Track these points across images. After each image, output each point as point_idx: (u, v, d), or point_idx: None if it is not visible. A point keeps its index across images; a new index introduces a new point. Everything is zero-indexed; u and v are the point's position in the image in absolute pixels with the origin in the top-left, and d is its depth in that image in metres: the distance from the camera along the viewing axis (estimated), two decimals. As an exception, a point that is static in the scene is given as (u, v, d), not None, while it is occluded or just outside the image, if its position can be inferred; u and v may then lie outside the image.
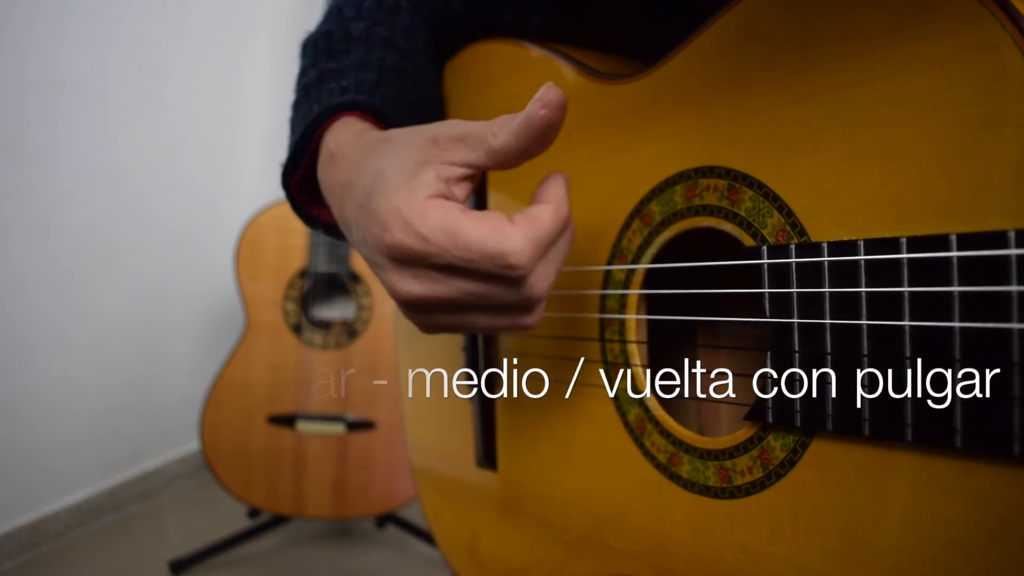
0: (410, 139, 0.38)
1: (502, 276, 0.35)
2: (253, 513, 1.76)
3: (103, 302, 1.91)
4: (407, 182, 0.36)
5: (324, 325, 1.63)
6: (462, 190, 0.38)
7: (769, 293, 0.34)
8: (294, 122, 0.51)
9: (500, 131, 0.36)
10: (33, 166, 1.71)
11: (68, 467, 1.85)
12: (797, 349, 0.33)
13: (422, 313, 0.39)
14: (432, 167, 0.36)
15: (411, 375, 0.70)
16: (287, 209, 1.63)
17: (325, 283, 1.62)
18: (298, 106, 0.51)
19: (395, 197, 0.36)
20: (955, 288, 0.27)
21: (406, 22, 0.57)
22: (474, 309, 0.38)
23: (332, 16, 0.56)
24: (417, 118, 0.52)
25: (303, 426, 1.57)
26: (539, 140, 0.35)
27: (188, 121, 2.13)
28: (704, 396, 0.50)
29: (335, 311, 1.66)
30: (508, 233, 0.34)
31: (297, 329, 1.60)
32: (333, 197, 0.43)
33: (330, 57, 0.52)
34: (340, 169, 0.43)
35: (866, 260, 0.30)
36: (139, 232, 2.00)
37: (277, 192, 2.13)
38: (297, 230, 1.62)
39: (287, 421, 1.58)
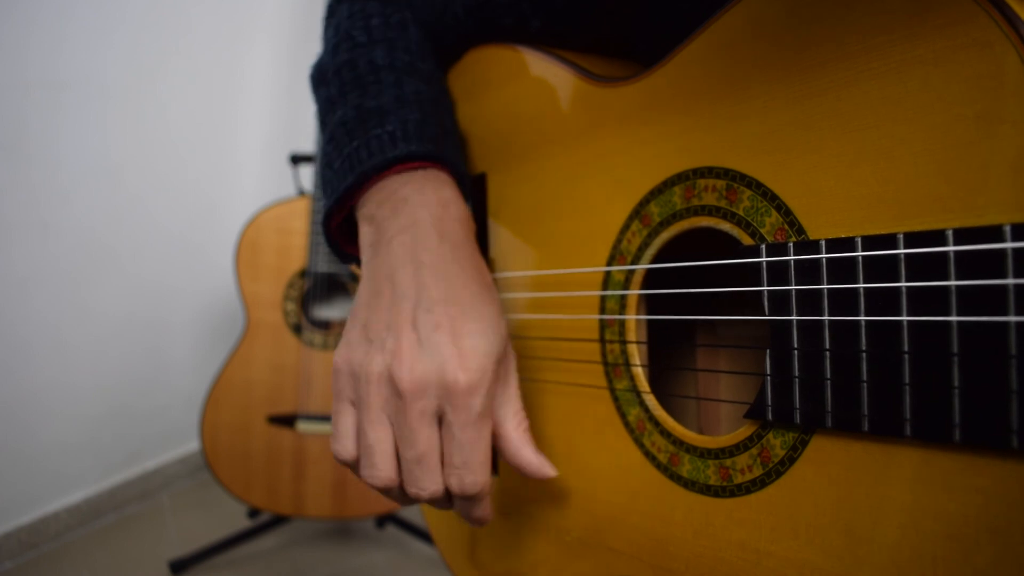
0: (491, 298, 0.43)
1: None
2: (253, 513, 1.76)
3: (103, 302, 1.91)
4: (490, 339, 0.40)
5: (324, 325, 1.63)
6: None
7: (768, 291, 0.34)
8: (331, 158, 0.50)
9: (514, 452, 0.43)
10: (33, 166, 1.71)
11: (68, 467, 1.85)
12: (796, 346, 0.33)
13: (336, 380, 0.42)
14: (514, 397, 0.43)
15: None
16: (287, 209, 1.63)
17: (325, 283, 1.62)
18: (338, 144, 0.50)
19: (484, 343, 0.40)
20: (952, 283, 0.27)
21: (415, 37, 0.57)
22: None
23: (344, 41, 0.55)
24: (457, 144, 0.53)
25: (303, 426, 1.57)
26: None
27: (188, 121, 2.14)
28: (705, 396, 0.50)
29: (335, 311, 1.66)
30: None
31: (297, 329, 1.60)
32: (395, 240, 0.44)
33: (362, 91, 0.51)
34: (394, 246, 0.44)
35: (864, 256, 0.30)
36: (139, 232, 2.00)
37: (277, 192, 2.14)
38: (297, 230, 1.62)
39: (287, 421, 1.58)
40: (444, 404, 0.39)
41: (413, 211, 0.44)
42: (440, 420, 0.40)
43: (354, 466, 0.42)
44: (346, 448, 0.42)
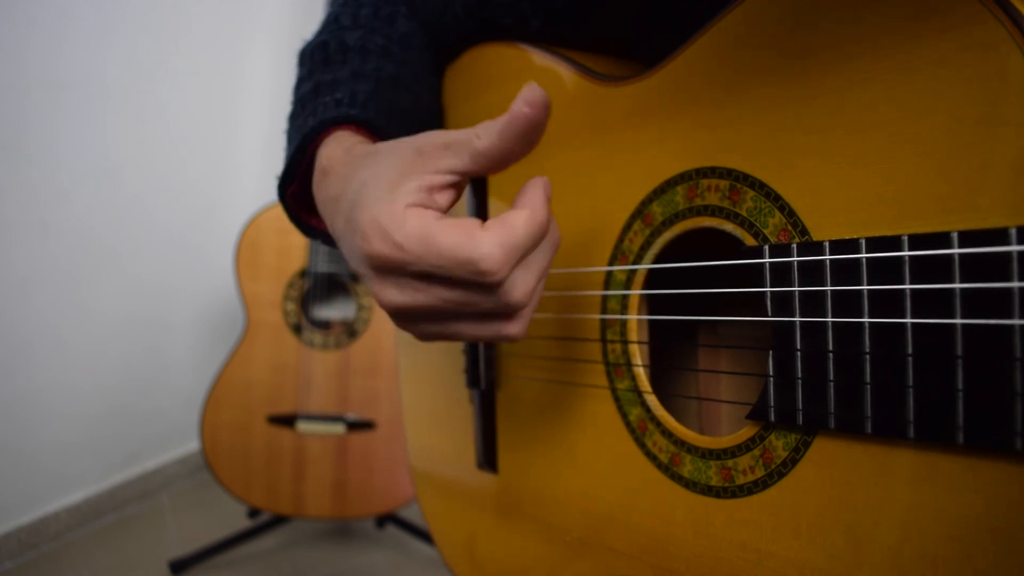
0: (395, 151, 0.38)
1: (476, 283, 0.35)
2: (253, 513, 1.76)
3: (102, 302, 1.91)
4: (388, 192, 0.36)
5: (324, 325, 1.63)
6: (445, 198, 0.37)
7: (771, 292, 0.34)
8: (290, 134, 0.51)
9: (484, 133, 0.35)
10: (33, 166, 1.71)
11: (68, 467, 1.85)
12: (799, 348, 0.33)
13: (410, 322, 0.39)
14: (415, 176, 0.36)
15: (411, 376, 0.70)
16: (287, 209, 1.63)
17: (325, 283, 1.62)
18: (294, 118, 0.51)
19: (375, 207, 0.36)
20: (956, 285, 0.27)
21: (403, 29, 0.57)
22: (456, 317, 0.38)
23: (329, 25, 0.56)
24: (413, 126, 0.52)
25: (303, 426, 1.57)
26: (523, 139, 0.35)
27: (188, 121, 2.14)
28: (706, 396, 0.50)
29: (335, 311, 1.66)
30: (478, 238, 0.34)
31: (297, 329, 1.60)
32: (325, 211, 0.43)
33: (326, 67, 0.52)
34: (330, 184, 0.43)
35: (868, 258, 0.30)
36: (139, 232, 2.00)
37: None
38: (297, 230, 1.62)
39: (287, 421, 1.58)
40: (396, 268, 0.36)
41: (333, 183, 0.43)
42: (423, 280, 0.36)
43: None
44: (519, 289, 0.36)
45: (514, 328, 0.38)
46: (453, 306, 0.36)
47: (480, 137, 0.36)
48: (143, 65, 1.96)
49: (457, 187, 0.38)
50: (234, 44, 2.27)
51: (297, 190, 0.50)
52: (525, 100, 0.34)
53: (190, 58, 2.11)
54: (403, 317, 0.39)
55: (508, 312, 0.37)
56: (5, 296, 1.67)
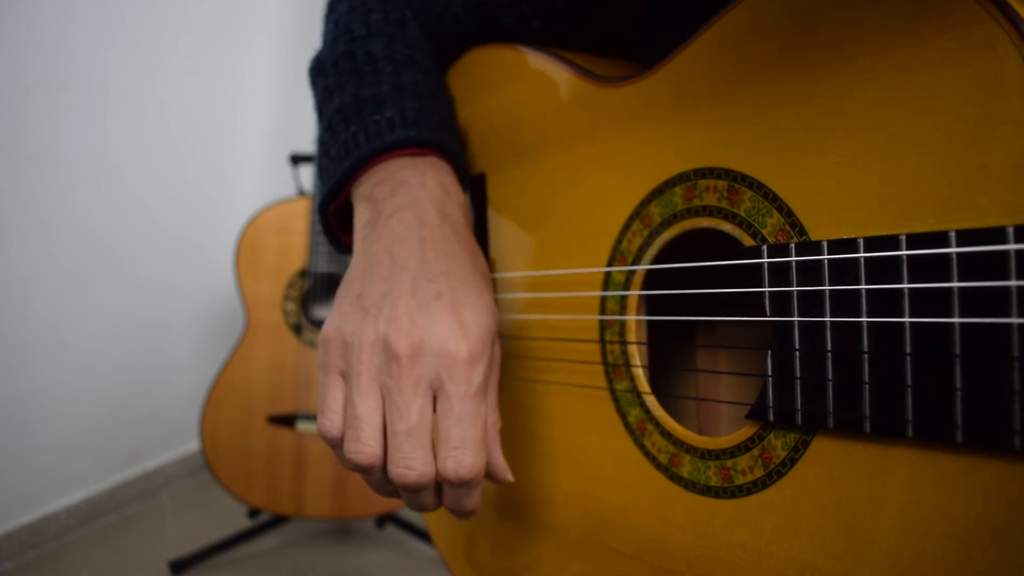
0: (479, 288, 0.42)
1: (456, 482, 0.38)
2: (253, 513, 1.76)
3: (102, 302, 1.91)
4: (490, 317, 0.39)
5: (324, 325, 1.63)
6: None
7: (769, 292, 0.34)
8: (328, 146, 0.50)
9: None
10: (33, 166, 1.71)
11: (68, 467, 1.85)
12: (798, 347, 0.33)
13: (325, 352, 0.40)
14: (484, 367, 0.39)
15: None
16: (287, 209, 1.63)
17: (325, 283, 1.62)
18: (335, 132, 0.50)
19: (481, 317, 0.39)
20: (955, 284, 0.27)
21: (415, 34, 0.57)
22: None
23: (343, 35, 0.56)
24: (452, 132, 0.53)
25: (303, 426, 1.57)
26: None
27: (188, 121, 2.14)
28: (705, 397, 0.50)
29: (335, 311, 1.66)
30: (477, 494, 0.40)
31: (297, 329, 1.60)
32: (394, 217, 0.43)
33: (359, 81, 0.51)
34: (417, 213, 0.43)
35: (866, 258, 0.30)
36: (139, 232, 2.00)
37: (277, 192, 2.13)
38: (297, 230, 1.62)
39: (287, 421, 1.58)
40: (443, 374, 0.37)
41: (413, 192, 0.44)
42: (435, 397, 0.37)
43: (339, 443, 0.39)
44: (332, 423, 0.39)
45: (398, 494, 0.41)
46: (380, 431, 0.38)
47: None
48: (143, 65, 1.97)
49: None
50: (234, 44, 2.28)
51: (340, 205, 0.50)
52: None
53: (190, 58, 2.11)
54: (326, 345, 0.40)
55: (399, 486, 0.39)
56: (5, 296, 1.67)
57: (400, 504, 1.58)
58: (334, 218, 0.51)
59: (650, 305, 0.45)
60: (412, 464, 0.37)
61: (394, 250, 0.41)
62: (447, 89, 0.57)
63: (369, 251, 0.42)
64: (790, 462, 0.34)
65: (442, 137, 0.49)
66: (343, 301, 0.41)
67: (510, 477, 0.41)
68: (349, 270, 0.43)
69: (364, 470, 0.38)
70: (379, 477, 0.39)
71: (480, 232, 0.56)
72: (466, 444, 0.37)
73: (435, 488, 0.39)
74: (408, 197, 0.44)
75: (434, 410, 0.38)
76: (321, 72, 0.55)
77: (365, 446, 0.37)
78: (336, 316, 0.40)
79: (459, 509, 0.40)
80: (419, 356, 0.37)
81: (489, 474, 0.41)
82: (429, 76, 0.54)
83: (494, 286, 0.51)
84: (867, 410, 0.30)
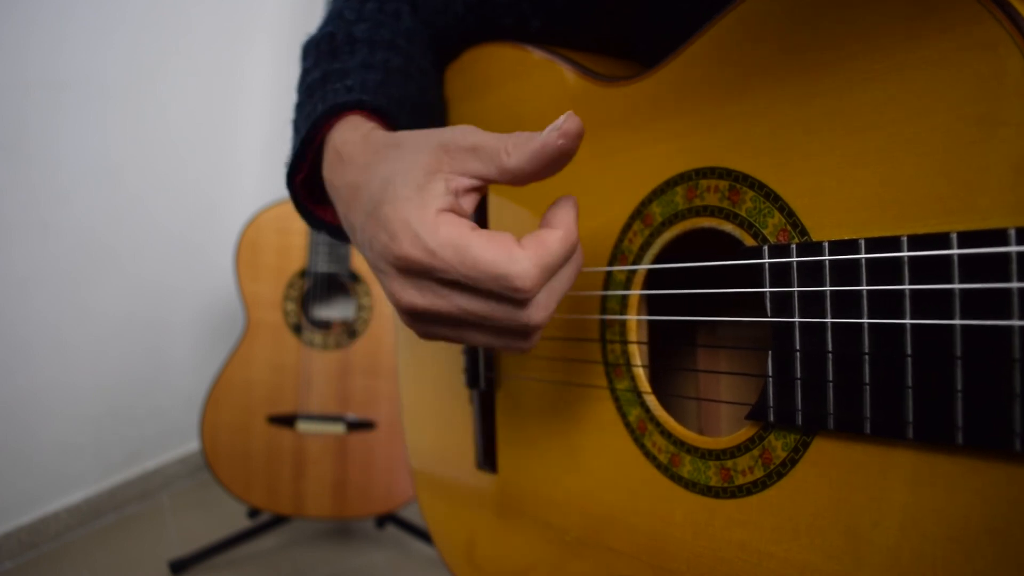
0: (420, 145, 0.38)
1: (506, 298, 0.35)
2: (253, 513, 1.76)
3: (103, 302, 1.91)
4: (417, 192, 0.36)
5: (324, 325, 1.63)
6: (470, 202, 0.38)
7: (770, 292, 0.34)
8: (297, 122, 0.51)
9: (515, 151, 0.35)
10: (33, 166, 1.71)
11: (68, 467, 1.85)
12: (798, 348, 0.33)
13: (421, 323, 0.39)
14: (442, 177, 0.36)
15: (411, 376, 0.70)
16: (287, 209, 1.63)
17: (325, 283, 1.62)
18: (302, 106, 0.50)
19: (405, 207, 0.36)
20: (956, 286, 0.27)
21: (407, 25, 0.57)
22: (472, 327, 0.38)
23: (334, 19, 0.56)
24: (422, 119, 0.52)
25: (303, 426, 1.57)
26: (551, 166, 0.35)
27: (188, 121, 2.14)
28: (705, 397, 0.50)
29: (335, 311, 1.66)
30: (516, 255, 0.34)
31: (297, 329, 1.60)
32: (339, 198, 0.43)
33: (333, 58, 0.52)
34: (347, 171, 0.43)
35: (867, 259, 0.30)
36: (139, 232, 2.00)
37: (277, 192, 2.13)
38: (297, 230, 1.62)
39: (287, 421, 1.58)
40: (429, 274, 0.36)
41: (351, 170, 0.43)
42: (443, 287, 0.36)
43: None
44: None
45: (526, 345, 0.39)
46: (472, 317, 0.36)
47: (510, 155, 0.36)
48: (143, 65, 1.97)
49: (480, 191, 0.38)
50: (234, 44, 2.27)
51: (305, 178, 0.50)
52: (561, 131, 0.34)
53: (190, 58, 2.11)
54: (417, 318, 0.39)
55: (523, 331, 0.37)
56: (5, 296, 1.67)
57: (400, 504, 1.58)
58: (303, 189, 0.51)
59: (651, 305, 0.45)
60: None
61: (348, 219, 0.42)
62: (428, 74, 0.57)
63: (344, 215, 0.43)
64: (790, 463, 0.34)
65: (399, 112, 0.49)
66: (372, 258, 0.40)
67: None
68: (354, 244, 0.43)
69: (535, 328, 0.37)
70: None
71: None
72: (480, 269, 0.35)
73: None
74: (344, 177, 0.43)
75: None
76: (305, 53, 0.55)
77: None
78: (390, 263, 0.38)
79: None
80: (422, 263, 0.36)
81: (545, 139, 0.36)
82: (409, 61, 0.54)
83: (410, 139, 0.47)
84: (867, 411, 0.30)
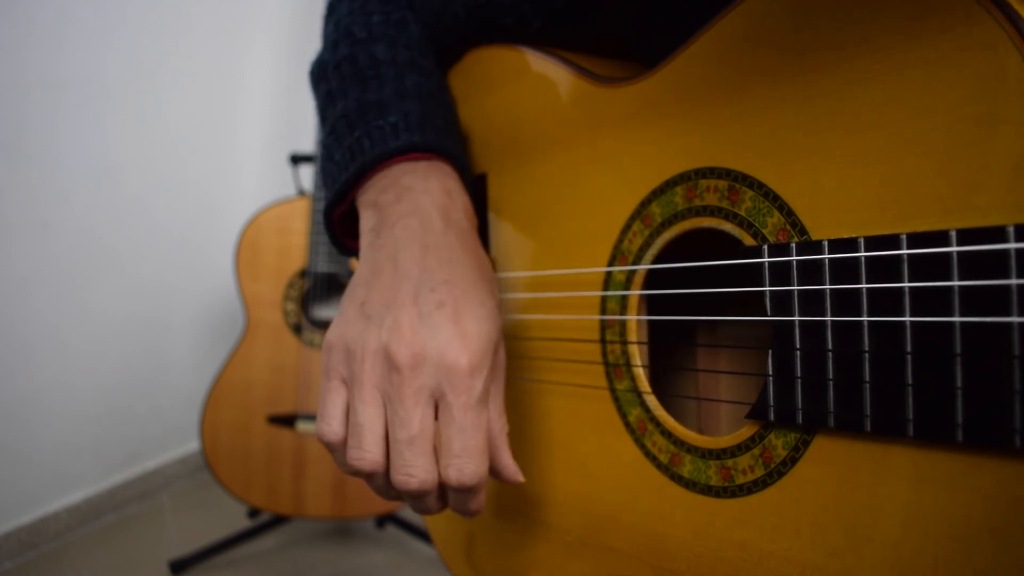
0: (486, 301, 0.42)
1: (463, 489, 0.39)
2: (253, 513, 1.76)
3: (103, 302, 1.91)
4: (492, 326, 0.40)
5: (324, 325, 1.63)
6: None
7: (770, 292, 0.34)
8: (332, 150, 0.51)
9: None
10: (33, 166, 1.71)
11: (68, 467, 1.85)
12: (798, 347, 0.33)
13: (328, 357, 0.40)
14: (485, 372, 0.39)
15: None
16: (287, 209, 1.63)
17: (325, 283, 1.62)
18: (339, 136, 0.50)
19: (483, 327, 0.39)
20: (955, 283, 0.27)
21: (415, 34, 0.57)
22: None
23: (344, 38, 0.56)
24: (456, 136, 0.53)
25: (303, 426, 1.57)
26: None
27: (188, 121, 2.14)
28: (705, 396, 0.50)
29: (335, 311, 1.66)
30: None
31: (297, 329, 1.60)
32: (399, 224, 0.44)
33: (362, 85, 0.51)
34: (424, 219, 0.44)
35: (867, 257, 0.30)
36: (139, 232, 2.00)
37: (277, 192, 2.13)
38: (297, 230, 1.62)
39: (287, 421, 1.58)
40: (443, 385, 0.37)
41: (417, 198, 0.44)
42: (436, 406, 0.38)
43: (339, 448, 0.40)
44: (332, 428, 0.39)
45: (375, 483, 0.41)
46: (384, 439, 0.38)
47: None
48: (143, 65, 1.97)
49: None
50: (234, 44, 2.28)
51: (345, 210, 0.51)
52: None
53: (190, 58, 2.11)
54: (329, 351, 0.40)
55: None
56: (5, 296, 1.67)
57: (400, 504, 1.58)
58: (338, 222, 0.51)
59: (651, 305, 0.45)
60: (414, 472, 0.37)
61: (398, 258, 0.41)
62: (448, 91, 0.57)
63: (374, 259, 0.43)
64: (791, 461, 0.34)
65: (446, 141, 0.49)
66: (347, 308, 0.41)
67: (521, 478, 0.42)
68: (354, 277, 0.44)
69: (367, 476, 0.39)
70: (382, 482, 0.40)
71: (481, 232, 0.56)
72: (468, 453, 0.38)
73: (438, 493, 0.40)
74: (412, 204, 0.44)
75: (436, 418, 0.38)
76: (323, 76, 0.55)
77: (367, 453, 0.38)
78: (340, 323, 0.41)
79: (464, 511, 0.41)
80: (420, 366, 0.37)
81: (499, 477, 0.42)
82: (431, 79, 0.54)
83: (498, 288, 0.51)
84: (868, 409, 0.30)
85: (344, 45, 0.55)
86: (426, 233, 0.42)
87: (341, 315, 0.41)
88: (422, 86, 0.52)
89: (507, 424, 0.42)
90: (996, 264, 0.26)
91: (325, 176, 0.51)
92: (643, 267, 0.43)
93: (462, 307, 0.39)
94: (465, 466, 0.37)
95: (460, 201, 0.46)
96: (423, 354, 0.37)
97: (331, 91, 0.53)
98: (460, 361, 0.37)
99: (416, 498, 0.39)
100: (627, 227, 0.44)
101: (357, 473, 0.39)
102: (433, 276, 0.40)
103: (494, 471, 0.42)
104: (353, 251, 0.52)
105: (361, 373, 0.38)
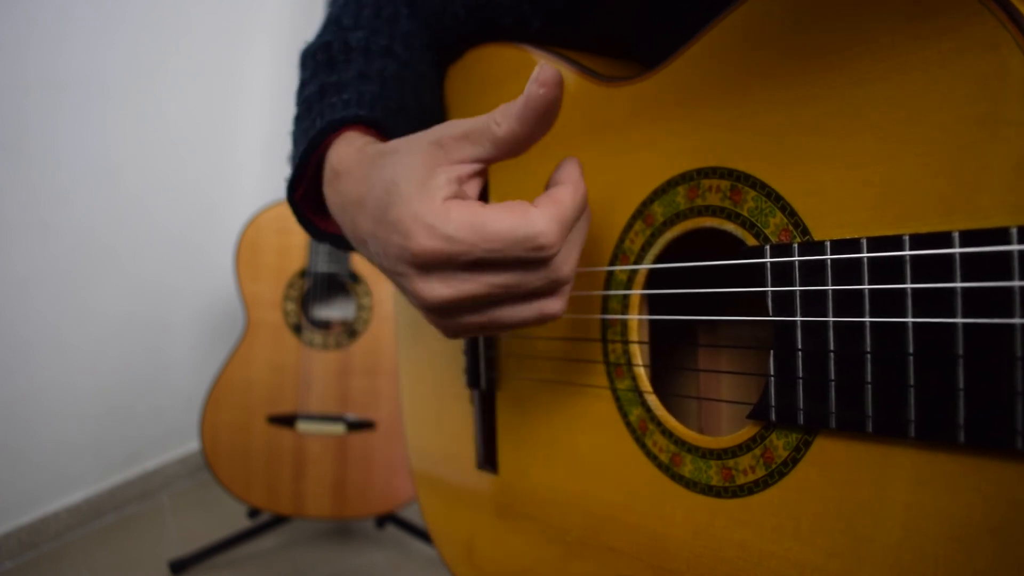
0: (415, 146, 0.38)
1: (531, 260, 0.36)
2: (253, 513, 1.76)
3: (102, 302, 1.91)
4: (420, 188, 0.36)
5: (324, 325, 1.63)
6: (474, 187, 0.38)
7: (772, 292, 0.34)
8: (296, 136, 0.51)
9: (503, 119, 0.36)
10: (33, 166, 1.71)
11: (68, 467, 1.85)
12: (800, 347, 0.33)
13: (449, 316, 0.39)
14: (442, 169, 0.37)
15: (411, 377, 0.70)
16: (287, 209, 1.63)
17: (325, 283, 1.62)
18: (300, 120, 0.51)
19: (413, 204, 0.36)
20: (958, 284, 0.27)
21: (405, 29, 0.57)
22: (501, 303, 0.38)
23: (330, 27, 0.56)
24: (420, 124, 0.52)
25: (303, 426, 1.57)
26: (542, 120, 0.36)
27: (188, 121, 2.14)
28: (706, 396, 0.50)
29: (335, 311, 1.66)
30: (533, 216, 0.35)
31: (297, 329, 1.60)
32: (344, 215, 0.43)
33: (330, 69, 0.52)
34: (347, 186, 0.43)
35: (869, 258, 0.30)
36: (139, 232, 2.00)
37: (277, 192, 2.13)
38: (297, 230, 1.62)
39: (287, 421, 1.58)
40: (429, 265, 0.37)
41: (350, 185, 0.43)
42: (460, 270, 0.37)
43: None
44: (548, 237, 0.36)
45: (557, 304, 0.39)
46: (501, 290, 0.37)
47: (499, 124, 0.36)
48: (143, 65, 1.97)
49: (482, 174, 0.38)
50: (234, 44, 2.27)
51: (306, 193, 0.50)
52: (539, 81, 0.35)
53: (190, 58, 2.11)
54: (446, 312, 0.39)
55: (553, 288, 0.38)
56: (5, 296, 1.67)
57: (400, 504, 1.58)
58: (304, 202, 0.51)
59: (652, 304, 0.45)
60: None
61: (355, 224, 0.42)
62: (426, 78, 0.57)
63: (353, 227, 0.43)
64: (792, 462, 0.34)
65: (395, 122, 0.49)
66: (388, 268, 0.40)
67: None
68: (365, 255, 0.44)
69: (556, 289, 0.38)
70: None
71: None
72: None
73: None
74: (341, 196, 0.44)
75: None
76: (303, 63, 0.55)
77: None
78: (408, 268, 0.39)
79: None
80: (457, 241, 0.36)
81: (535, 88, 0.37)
82: (405, 67, 0.54)
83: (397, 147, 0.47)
84: (869, 410, 0.30)
85: (328, 33, 0.55)
86: (356, 216, 0.42)
87: (401, 272, 0.39)
88: (386, 69, 0.52)
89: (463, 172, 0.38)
90: (999, 265, 0.26)
91: (290, 160, 0.51)
92: (644, 267, 0.43)
93: (392, 212, 0.37)
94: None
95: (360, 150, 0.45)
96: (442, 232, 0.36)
97: (304, 79, 0.54)
98: (423, 247, 0.36)
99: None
100: (629, 226, 0.44)
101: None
102: (359, 230, 0.41)
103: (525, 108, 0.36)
104: (323, 232, 0.51)
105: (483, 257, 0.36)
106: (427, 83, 0.56)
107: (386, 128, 0.48)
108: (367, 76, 0.51)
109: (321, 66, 0.53)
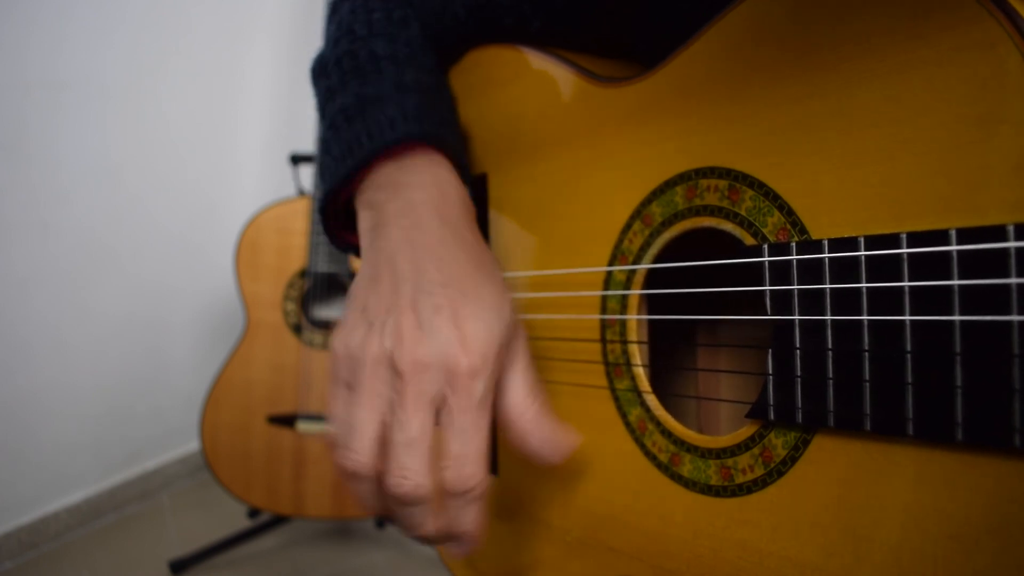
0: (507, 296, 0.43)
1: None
2: (253, 513, 1.76)
3: (102, 302, 1.91)
4: (493, 322, 0.40)
5: (324, 325, 1.63)
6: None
7: (770, 291, 0.34)
8: (330, 145, 0.51)
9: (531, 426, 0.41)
10: (33, 166, 1.71)
11: (68, 467, 1.85)
12: (798, 346, 0.33)
13: (334, 364, 0.40)
14: (524, 361, 0.42)
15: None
16: (287, 209, 1.63)
17: (325, 283, 1.62)
18: (338, 131, 0.50)
19: (484, 327, 0.39)
20: (955, 282, 0.27)
21: (416, 32, 0.57)
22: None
23: (345, 35, 0.56)
24: (456, 132, 0.53)
25: (303, 426, 1.57)
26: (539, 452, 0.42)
27: (188, 121, 2.14)
28: (705, 396, 0.50)
29: (335, 311, 1.66)
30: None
31: (297, 329, 1.60)
32: (393, 225, 0.44)
33: (362, 80, 0.51)
34: (422, 216, 0.44)
35: (867, 256, 0.30)
36: (139, 232, 2.00)
37: (277, 192, 2.13)
38: (297, 230, 1.62)
39: (287, 421, 1.58)
40: (445, 388, 0.38)
41: (411, 194, 0.44)
42: (437, 412, 0.38)
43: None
44: (333, 432, 0.40)
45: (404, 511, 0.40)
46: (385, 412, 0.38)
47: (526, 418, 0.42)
48: (143, 65, 1.97)
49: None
50: (234, 44, 2.28)
51: (342, 204, 0.51)
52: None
53: (190, 58, 2.11)
54: (345, 358, 0.40)
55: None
56: (5, 296, 1.67)
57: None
58: (334, 220, 0.51)
59: (651, 304, 0.45)
60: (408, 474, 0.37)
61: (395, 261, 0.42)
62: (449, 88, 0.57)
63: (374, 261, 0.43)
64: (790, 461, 0.34)
65: (443, 132, 0.49)
66: (351, 313, 0.42)
67: (566, 445, 0.42)
68: (356, 278, 0.44)
69: (350, 476, 0.39)
70: (368, 487, 0.39)
71: (481, 232, 0.56)
72: (466, 455, 0.38)
73: (433, 506, 0.39)
74: (406, 202, 0.44)
75: (438, 423, 0.38)
76: (324, 72, 0.55)
77: (353, 453, 0.38)
78: (344, 328, 0.41)
79: (455, 528, 0.39)
80: (422, 372, 0.37)
81: (539, 456, 0.42)
82: (431, 75, 0.54)
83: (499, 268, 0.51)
84: (868, 408, 0.30)
85: (345, 41, 0.55)
86: (421, 233, 0.42)
87: (345, 320, 0.41)
88: (421, 81, 0.52)
89: (536, 400, 0.42)
90: (996, 263, 0.26)
91: (323, 171, 0.51)
92: (643, 267, 0.43)
93: (460, 309, 0.39)
94: (462, 466, 0.37)
95: (454, 193, 0.46)
96: (425, 360, 0.37)
97: (331, 87, 0.53)
98: (460, 364, 0.37)
99: (408, 506, 0.38)
100: (627, 227, 0.44)
101: (343, 472, 0.38)
102: (430, 279, 0.40)
103: (532, 453, 0.42)
104: (352, 246, 0.52)
105: (363, 379, 0.38)
106: (448, 88, 0.57)
107: (433, 139, 0.48)
108: (404, 88, 0.50)
109: (350, 75, 0.52)
